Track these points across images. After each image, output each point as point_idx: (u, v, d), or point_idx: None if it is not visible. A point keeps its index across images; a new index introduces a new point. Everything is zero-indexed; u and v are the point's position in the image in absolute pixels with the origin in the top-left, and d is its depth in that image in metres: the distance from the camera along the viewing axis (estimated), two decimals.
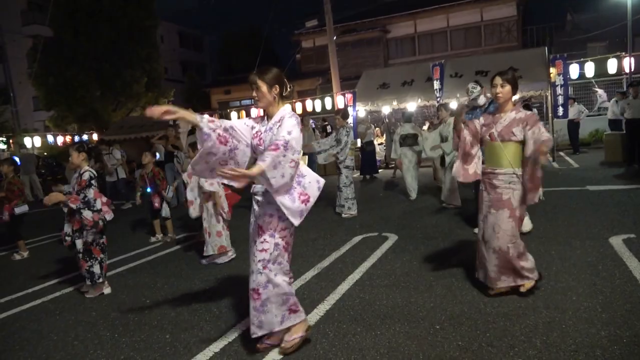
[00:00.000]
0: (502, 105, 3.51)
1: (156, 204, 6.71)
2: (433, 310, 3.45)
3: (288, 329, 2.99)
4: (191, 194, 5.41)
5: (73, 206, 4.41)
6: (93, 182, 4.53)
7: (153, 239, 6.87)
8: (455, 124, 3.76)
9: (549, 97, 12.03)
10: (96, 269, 4.54)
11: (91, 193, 4.47)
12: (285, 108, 2.94)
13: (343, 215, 7.29)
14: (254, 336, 2.98)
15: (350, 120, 10.24)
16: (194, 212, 5.44)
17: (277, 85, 2.91)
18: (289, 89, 2.99)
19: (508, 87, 3.42)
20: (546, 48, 13.80)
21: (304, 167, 2.97)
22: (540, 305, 3.36)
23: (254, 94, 2.94)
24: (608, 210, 6.08)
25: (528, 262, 3.52)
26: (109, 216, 4.66)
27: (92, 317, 4.02)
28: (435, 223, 6.30)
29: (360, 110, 14.32)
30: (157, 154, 11.01)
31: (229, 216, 5.53)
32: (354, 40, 24.10)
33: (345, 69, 21.26)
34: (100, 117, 21.74)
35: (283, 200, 2.78)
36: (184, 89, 29.61)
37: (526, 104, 11.57)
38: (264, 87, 2.88)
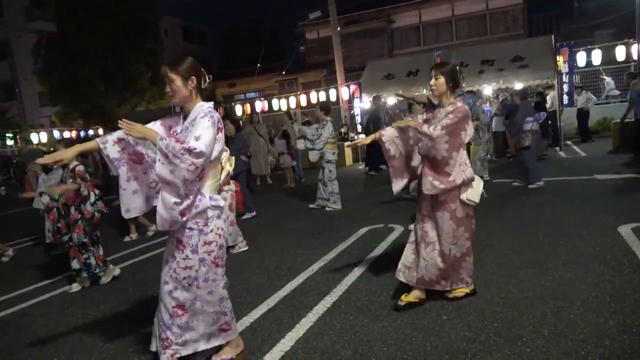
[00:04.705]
0: (439, 98, 3.37)
1: None
2: (440, 300, 3.44)
3: (217, 349, 2.76)
4: None
5: (86, 191, 4.58)
6: (86, 175, 4.71)
7: (127, 238, 6.82)
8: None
9: (556, 86, 11.92)
10: (92, 260, 4.66)
11: (84, 186, 4.63)
12: (202, 105, 2.60)
13: (327, 209, 7.34)
14: (175, 356, 2.63)
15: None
16: None
17: (193, 77, 2.57)
18: (207, 81, 2.66)
19: (442, 80, 3.25)
20: (552, 36, 13.64)
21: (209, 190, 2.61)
22: (547, 295, 3.34)
23: (167, 88, 2.58)
24: (616, 199, 6.03)
25: (467, 267, 3.38)
26: (104, 209, 4.79)
27: (101, 310, 4.06)
28: None
29: (366, 101, 14.25)
30: None
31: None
32: (358, 31, 23.92)
33: (350, 60, 21.13)
34: (106, 112, 21.82)
35: (165, 196, 2.42)
36: None
37: (540, 92, 11.53)
38: (178, 81, 2.53)
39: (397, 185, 3.45)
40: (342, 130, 14.55)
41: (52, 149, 22.13)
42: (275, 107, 17.03)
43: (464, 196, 3.24)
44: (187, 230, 2.54)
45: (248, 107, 17.70)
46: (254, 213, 7.48)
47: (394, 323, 3.17)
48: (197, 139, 2.40)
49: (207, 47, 38.38)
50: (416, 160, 3.45)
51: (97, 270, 4.72)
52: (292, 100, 16.49)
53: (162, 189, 2.45)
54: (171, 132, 2.66)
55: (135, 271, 5.17)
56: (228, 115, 15.47)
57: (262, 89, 25.44)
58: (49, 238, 6.23)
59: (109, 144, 2.56)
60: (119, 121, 2.48)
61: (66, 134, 20.25)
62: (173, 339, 2.61)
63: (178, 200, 2.41)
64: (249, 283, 4.32)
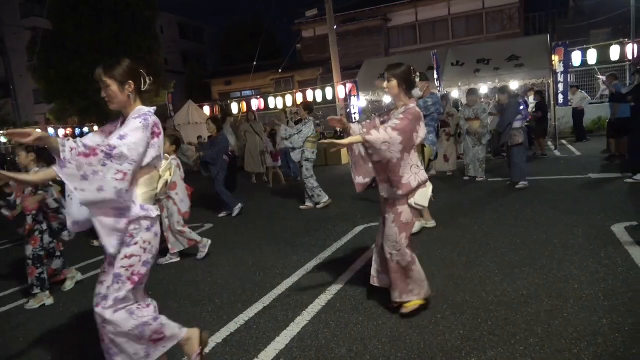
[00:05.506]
0: (394, 100, 3.33)
1: None
2: (435, 299, 3.45)
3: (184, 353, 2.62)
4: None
5: (55, 204, 4.27)
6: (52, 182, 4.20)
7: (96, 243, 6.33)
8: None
9: (551, 85, 11.97)
10: (45, 274, 4.32)
11: (55, 193, 4.29)
12: (141, 108, 2.41)
13: (318, 206, 7.35)
14: None
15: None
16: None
17: (131, 82, 2.38)
18: (147, 83, 2.46)
19: (394, 82, 3.19)
20: (548, 35, 13.69)
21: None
22: (542, 294, 3.35)
23: (103, 94, 2.39)
24: (610, 198, 6.06)
25: (414, 276, 3.21)
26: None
27: None
28: (436, 212, 6.29)
29: (362, 100, 14.26)
30: None
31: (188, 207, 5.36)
32: (354, 30, 23.94)
33: (347, 59, 21.15)
34: (102, 109, 21.72)
35: (103, 220, 2.22)
36: (185, 80, 29.54)
37: (539, 91, 11.58)
38: (114, 86, 2.35)
39: (359, 181, 3.32)
40: (339, 129, 14.54)
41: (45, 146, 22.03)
42: (272, 105, 17.04)
43: (411, 200, 3.14)
44: None
45: (244, 105, 17.69)
46: (241, 205, 7.46)
47: (388, 321, 3.18)
48: (120, 137, 2.20)
49: (204, 45, 38.29)
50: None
51: (48, 287, 4.33)
52: (289, 99, 16.49)
53: (94, 214, 2.20)
54: None
55: None
56: (225, 114, 15.45)
57: (259, 87, 25.42)
58: None
59: (68, 146, 2.11)
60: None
61: (61, 132, 20.17)
62: None
63: (118, 214, 2.23)
64: (245, 281, 4.32)
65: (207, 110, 19.14)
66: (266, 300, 3.79)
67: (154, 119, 2.38)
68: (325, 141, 3.07)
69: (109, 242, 2.24)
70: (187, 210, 5.24)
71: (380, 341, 2.92)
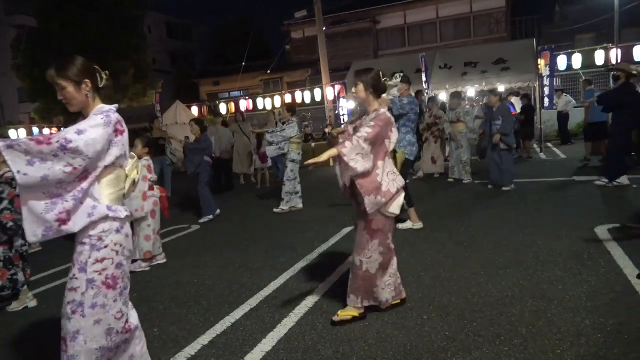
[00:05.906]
0: (364, 105, 3.29)
1: None
2: (421, 300, 3.47)
3: None
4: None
5: None
6: (14, 182, 3.93)
7: None
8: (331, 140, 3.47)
9: (537, 89, 12.13)
10: (20, 276, 4.13)
11: (6, 192, 4.07)
12: (102, 107, 2.30)
13: (283, 209, 7.34)
14: None
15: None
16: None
17: (87, 80, 2.26)
18: (105, 78, 2.35)
19: (360, 87, 3.18)
20: (535, 40, 13.87)
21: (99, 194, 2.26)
22: (526, 295, 3.39)
23: (59, 96, 2.26)
24: (594, 200, 6.16)
25: (379, 289, 3.22)
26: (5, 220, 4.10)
27: None
28: (423, 214, 6.33)
29: (350, 102, 14.30)
30: None
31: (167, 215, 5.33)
32: (344, 31, 23.99)
33: (335, 60, 21.20)
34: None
35: (33, 204, 2.06)
36: (173, 80, 29.32)
37: (525, 94, 11.73)
38: (70, 87, 2.23)
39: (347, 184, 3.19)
40: (327, 130, 14.57)
41: None
42: (260, 106, 17.00)
43: (383, 208, 3.06)
44: (79, 246, 2.21)
45: (232, 105, 17.62)
46: (211, 217, 7.29)
47: (375, 323, 3.19)
48: (79, 132, 2.09)
49: (193, 44, 38.05)
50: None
51: (24, 288, 4.18)
52: (277, 100, 16.47)
53: (25, 200, 2.06)
54: None
55: None
56: (217, 115, 15.34)
57: (247, 88, 25.35)
58: None
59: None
60: None
61: (46, 131, 19.87)
62: None
63: (49, 202, 2.08)
64: (232, 282, 4.30)
65: (195, 110, 19.03)
66: (253, 301, 3.78)
67: (116, 116, 2.29)
68: (308, 162, 3.01)
69: (31, 230, 2.07)
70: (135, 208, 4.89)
71: (367, 342, 2.93)
